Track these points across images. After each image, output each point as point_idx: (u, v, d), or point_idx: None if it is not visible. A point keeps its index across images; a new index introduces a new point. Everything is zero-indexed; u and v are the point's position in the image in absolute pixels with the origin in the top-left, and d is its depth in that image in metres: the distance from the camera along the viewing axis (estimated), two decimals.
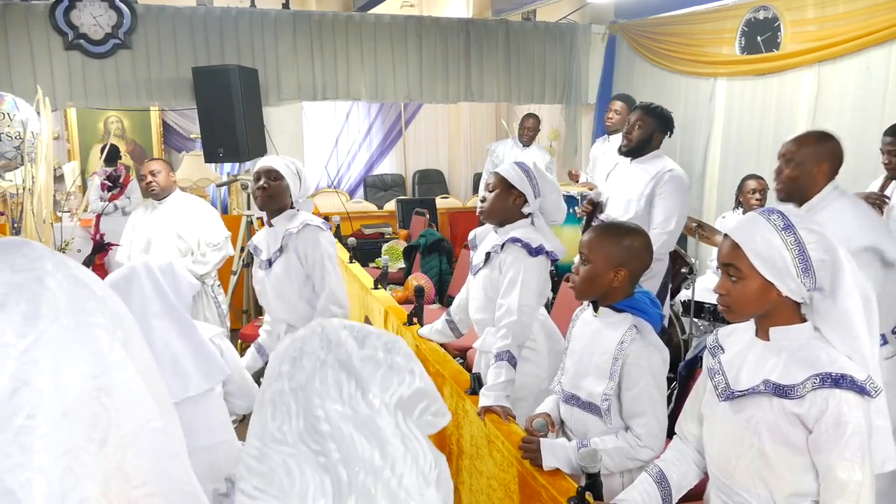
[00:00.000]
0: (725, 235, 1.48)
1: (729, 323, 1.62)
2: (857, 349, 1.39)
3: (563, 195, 5.09)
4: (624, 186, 3.47)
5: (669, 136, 3.49)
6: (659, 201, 3.33)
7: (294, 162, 2.89)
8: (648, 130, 3.36)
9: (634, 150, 3.43)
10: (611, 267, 1.88)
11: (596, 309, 1.98)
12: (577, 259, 2.02)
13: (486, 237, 2.61)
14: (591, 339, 1.96)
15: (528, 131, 5.76)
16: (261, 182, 2.80)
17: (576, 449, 1.86)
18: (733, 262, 1.45)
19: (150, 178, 3.79)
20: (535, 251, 2.36)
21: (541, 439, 1.91)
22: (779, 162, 2.52)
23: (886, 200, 3.28)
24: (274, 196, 2.81)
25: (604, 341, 1.90)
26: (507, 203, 2.44)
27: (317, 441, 0.80)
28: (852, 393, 1.34)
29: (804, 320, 1.45)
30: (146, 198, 3.93)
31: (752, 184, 4.27)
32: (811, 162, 2.42)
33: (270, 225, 2.88)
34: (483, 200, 2.49)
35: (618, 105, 4.89)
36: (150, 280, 2.03)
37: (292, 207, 2.88)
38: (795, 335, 1.44)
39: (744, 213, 4.21)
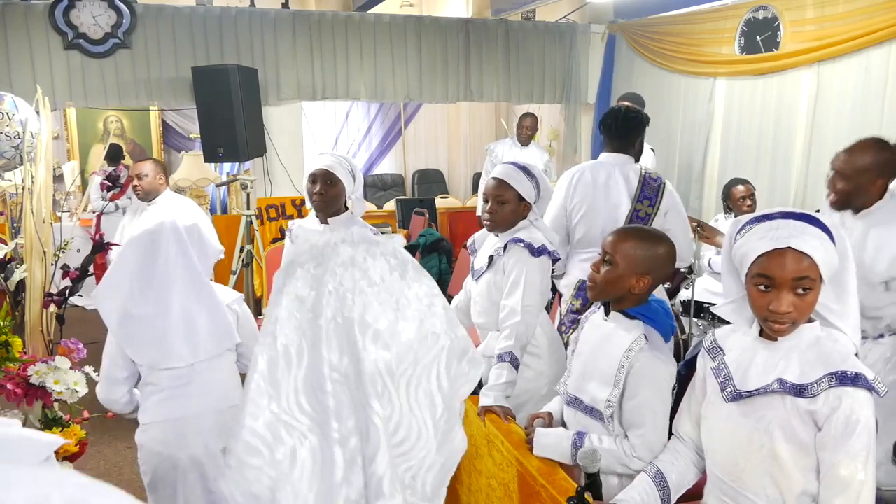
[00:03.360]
0: (789, 249, 1.36)
1: (726, 324, 1.61)
2: (852, 321, 1.44)
3: None
4: None
5: (616, 135, 3.11)
6: None
7: (348, 160, 2.87)
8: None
9: None
10: (635, 273, 1.82)
11: (607, 312, 1.93)
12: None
13: (485, 241, 2.60)
14: (599, 343, 1.91)
15: (527, 130, 5.76)
16: (317, 187, 2.77)
17: (570, 439, 1.87)
18: (809, 275, 1.36)
19: (136, 181, 3.79)
20: (537, 251, 2.35)
21: (538, 428, 1.94)
22: (832, 173, 2.54)
23: None
24: (330, 201, 2.80)
25: (612, 347, 1.86)
26: (518, 214, 2.43)
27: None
28: (864, 391, 1.35)
29: (812, 320, 1.45)
30: (136, 196, 3.90)
31: (740, 189, 4.18)
32: (866, 178, 2.45)
33: (325, 223, 2.86)
34: (492, 212, 2.42)
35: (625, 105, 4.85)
36: (177, 243, 2.09)
37: (346, 207, 2.89)
38: (805, 335, 1.43)
39: (736, 217, 4.17)
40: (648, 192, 3.05)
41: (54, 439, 1.18)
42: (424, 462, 0.85)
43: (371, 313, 0.85)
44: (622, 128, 3.09)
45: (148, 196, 3.83)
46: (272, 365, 0.85)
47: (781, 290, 1.37)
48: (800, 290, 1.37)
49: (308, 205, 2.91)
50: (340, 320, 0.84)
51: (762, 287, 1.40)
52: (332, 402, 0.82)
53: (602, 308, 1.97)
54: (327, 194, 2.77)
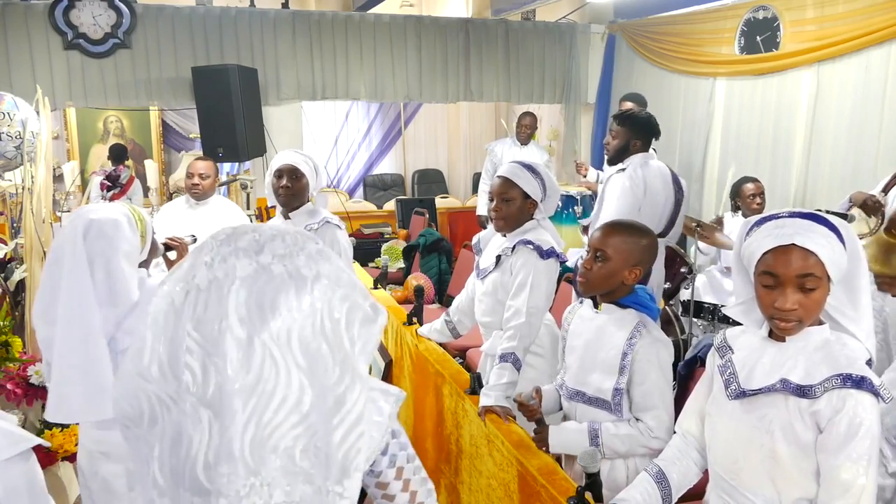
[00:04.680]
0: (793, 246, 1.35)
1: (734, 325, 1.61)
2: (865, 325, 1.42)
3: (563, 195, 5.09)
4: (605, 197, 3.44)
5: (656, 139, 3.45)
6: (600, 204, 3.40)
7: (311, 158, 2.94)
8: (623, 139, 3.34)
9: (612, 160, 3.44)
10: (628, 265, 1.92)
11: (596, 305, 2.00)
12: (582, 253, 2.02)
13: (490, 240, 2.61)
14: (594, 335, 1.98)
15: (526, 129, 5.77)
16: (284, 181, 2.84)
17: (586, 431, 1.91)
18: (813, 272, 1.35)
19: (197, 179, 3.74)
20: (546, 253, 2.37)
21: (550, 426, 1.97)
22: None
23: (882, 205, 3.21)
24: (296, 195, 2.87)
25: (610, 337, 1.94)
26: (524, 212, 2.45)
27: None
28: (869, 395, 1.34)
29: (822, 322, 1.45)
30: (191, 196, 3.84)
31: (750, 187, 4.19)
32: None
33: (287, 218, 2.91)
34: (497, 210, 2.44)
35: (627, 106, 4.85)
36: (76, 287, 1.81)
37: (307, 201, 2.94)
38: (814, 337, 1.42)
39: (744, 216, 4.17)
40: (679, 182, 3.38)
41: (32, 437, 1.17)
42: (317, 429, 0.81)
43: (243, 270, 0.82)
44: (656, 130, 3.41)
45: (205, 195, 3.79)
46: (141, 338, 0.85)
47: (786, 287, 1.37)
48: (805, 288, 1.36)
49: (270, 202, 2.94)
50: (212, 282, 0.82)
51: (768, 284, 1.40)
52: (187, 374, 0.80)
53: (586, 302, 2.04)
54: (293, 188, 2.84)
